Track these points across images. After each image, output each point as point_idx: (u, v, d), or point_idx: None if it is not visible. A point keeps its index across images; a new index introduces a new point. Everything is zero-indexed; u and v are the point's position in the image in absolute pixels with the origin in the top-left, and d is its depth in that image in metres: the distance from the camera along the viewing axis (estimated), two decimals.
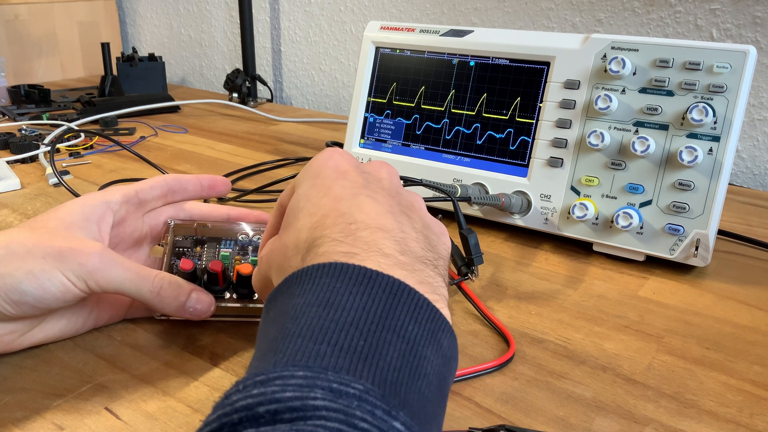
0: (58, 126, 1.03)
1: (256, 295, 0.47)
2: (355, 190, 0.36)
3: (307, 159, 0.90)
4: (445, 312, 0.31)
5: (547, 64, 0.63)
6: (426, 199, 0.63)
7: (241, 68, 1.37)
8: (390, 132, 0.73)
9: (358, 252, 0.31)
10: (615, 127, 0.59)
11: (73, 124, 1.03)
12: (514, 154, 0.65)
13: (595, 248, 0.61)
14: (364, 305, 0.28)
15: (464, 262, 0.53)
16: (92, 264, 0.41)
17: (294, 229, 0.35)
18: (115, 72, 1.31)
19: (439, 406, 0.28)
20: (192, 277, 0.46)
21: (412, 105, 0.71)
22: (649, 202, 0.58)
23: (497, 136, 0.66)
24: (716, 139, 0.55)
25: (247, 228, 0.51)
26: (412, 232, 0.34)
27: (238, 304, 0.47)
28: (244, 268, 0.46)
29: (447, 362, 0.29)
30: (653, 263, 0.59)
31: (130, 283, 0.42)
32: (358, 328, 0.27)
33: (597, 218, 0.60)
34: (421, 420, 0.25)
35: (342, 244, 0.32)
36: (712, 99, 0.55)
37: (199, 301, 0.45)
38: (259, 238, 0.51)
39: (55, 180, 0.78)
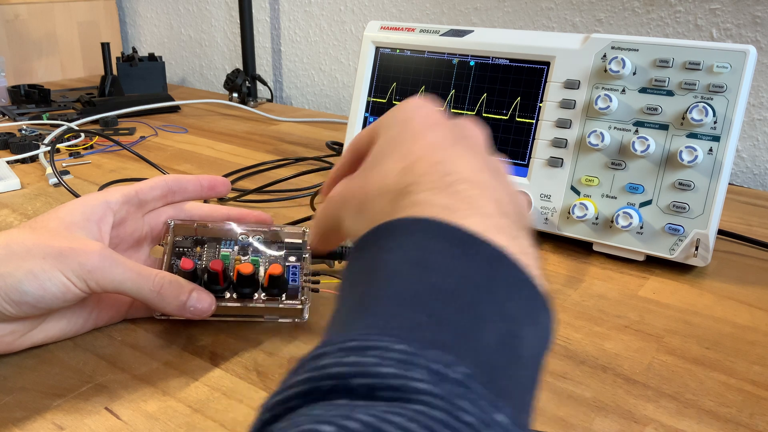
0: (58, 126, 1.03)
1: (256, 295, 0.47)
2: (449, 140, 0.32)
3: (307, 159, 0.91)
4: (543, 280, 0.28)
5: (547, 64, 0.63)
6: None
7: (241, 68, 1.37)
8: None
9: (458, 207, 0.28)
10: (615, 127, 0.59)
11: (73, 124, 1.03)
12: (514, 153, 0.65)
13: (595, 248, 0.61)
14: (464, 273, 0.25)
15: None
16: (92, 263, 0.41)
17: (379, 171, 0.32)
18: (115, 72, 1.31)
19: (533, 390, 0.26)
20: (192, 276, 0.46)
21: None
22: (649, 202, 0.58)
23: (497, 136, 0.66)
24: (716, 139, 0.55)
25: (247, 228, 0.51)
26: (505, 195, 0.31)
27: (238, 304, 0.47)
28: (245, 267, 0.46)
29: (543, 342, 0.27)
30: (653, 263, 0.59)
31: (131, 283, 0.42)
32: (457, 298, 0.24)
33: (597, 218, 0.60)
34: (518, 409, 0.23)
35: (440, 196, 0.29)
36: (712, 99, 0.55)
37: (200, 300, 0.44)
38: (259, 239, 0.51)
39: (55, 180, 0.78)
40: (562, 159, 0.62)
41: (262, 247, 0.50)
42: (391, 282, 0.25)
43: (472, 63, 0.68)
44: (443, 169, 0.30)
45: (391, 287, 0.25)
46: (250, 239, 0.51)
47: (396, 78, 0.73)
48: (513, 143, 0.65)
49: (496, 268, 0.26)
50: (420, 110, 0.35)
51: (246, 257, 0.50)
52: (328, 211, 0.36)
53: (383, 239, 0.28)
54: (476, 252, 0.26)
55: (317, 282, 0.50)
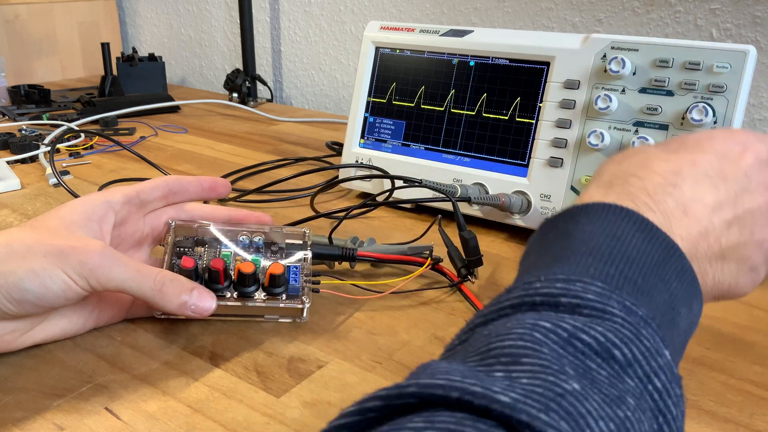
0: (58, 126, 1.03)
1: (256, 294, 0.47)
2: (713, 172, 0.36)
3: (307, 159, 0.91)
4: (703, 278, 0.34)
5: (547, 64, 0.63)
6: (425, 200, 0.63)
7: (241, 68, 1.37)
8: (390, 132, 0.73)
9: (654, 214, 0.33)
10: (615, 127, 0.59)
11: (73, 124, 1.03)
12: (514, 154, 0.65)
13: None
14: (644, 249, 0.31)
15: (464, 264, 0.53)
16: (93, 262, 0.41)
17: (643, 156, 0.37)
18: (115, 72, 1.31)
19: (680, 356, 0.32)
20: (194, 275, 0.46)
21: (412, 105, 0.71)
22: None
23: (497, 136, 0.66)
24: None
25: (248, 229, 0.51)
26: (713, 239, 0.35)
27: (238, 303, 0.47)
28: (246, 266, 0.46)
29: (692, 325, 0.33)
30: None
31: (132, 281, 0.42)
32: (638, 265, 0.30)
33: None
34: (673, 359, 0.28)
35: (649, 199, 0.34)
36: (712, 99, 0.55)
37: (201, 299, 0.44)
38: (259, 239, 0.51)
39: (55, 180, 0.78)
40: (562, 159, 0.62)
41: (262, 248, 0.50)
42: (588, 244, 0.31)
43: (471, 63, 0.68)
44: (672, 182, 0.35)
45: (587, 247, 0.31)
46: (251, 239, 0.51)
47: (396, 78, 0.73)
48: (513, 143, 0.65)
49: (669, 255, 0.31)
50: (732, 138, 0.38)
51: (246, 257, 0.50)
52: None
53: (579, 216, 0.33)
54: (656, 238, 0.31)
55: (317, 282, 0.50)
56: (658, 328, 0.28)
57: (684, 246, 0.33)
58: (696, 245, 0.34)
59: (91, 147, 0.96)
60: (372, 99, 0.74)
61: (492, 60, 0.67)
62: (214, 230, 0.51)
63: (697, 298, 0.33)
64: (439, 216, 0.58)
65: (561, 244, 0.32)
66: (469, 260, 0.53)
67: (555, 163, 0.62)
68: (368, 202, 0.66)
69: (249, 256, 0.50)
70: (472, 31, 0.68)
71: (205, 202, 0.55)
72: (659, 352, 0.27)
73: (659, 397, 0.25)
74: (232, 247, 0.50)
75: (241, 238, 0.51)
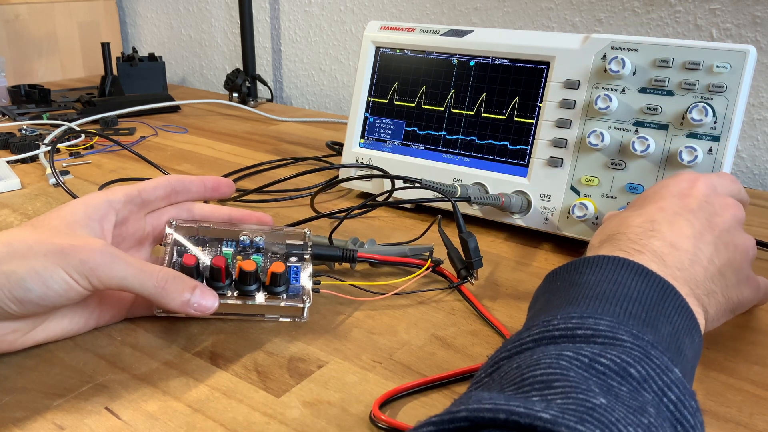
0: (59, 126, 1.03)
1: (257, 293, 0.47)
2: (680, 210, 0.41)
3: (307, 159, 0.91)
4: (701, 320, 0.37)
5: (547, 64, 0.63)
6: (426, 200, 0.63)
7: (241, 68, 1.37)
8: (390, 132, 0.73)
9: (643, 256, 0.38)
10: (615, 127, 0.59)
11: (73, 124, 1.03)
12: (514, 153, 0.65)
13: None
14: (643, 291, 0.35)
15: (464, 265, 0.53)
16: (94, 260, 0.41)
17: (619, 218, 0.43)
18: (115, 72, 1.31)
19: (690, 383, 0.34)
20: (195, 272, 0.46)
21: (413, 105, 0.71)
22: None
23: (497, 135, 0.66)
24: (716, 138, 0.55)
25: (248, 229, 0.51)
26: (706, 261, 0.40)
27: (239, 302, 0.47)
28: (247, 264, 0.46)
29: (696, 355, 0.36)
30: None
31: (134, 279, 0.42)
32: (639, 303, 0.34)
33: (597, 218, 0.60)
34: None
35: (634, 244, 0.39)
36: (711, 99, 0.55)
37: (204, 297, 0.44)
38: (260, 239, 0.51)
39: (55, 180, 0.78)
40: (562, 159, 0.62)
41: (263, 248, 0.50)
42: (591, 289, 0.35)
43: (472, 63, 0.68)
44: (651, 227, 0.40)
45: (594, 292, 0.35)
46: (252, 239, 0.51)
47: (396, 78, 0.73)
48: (513, 143, 0.65)
49: (666, 293, 0.35)
50: (686, 181, 0.44)
51: (247, 257, 0.50)
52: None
53: (583, 267, 0.37)
54: (652, 280, 0.36)
55: (318, 282, 0.50)
56: (665, 350, 0.31)
57: (682, 276, 0.38)
58: (693, 273, 0.39)
59: (92, 147, 0.96)
60: (372, 99, 0.74)
61: (492, 60, 0.67)
62: (215, 230, 0.51)
63: (697, 330, 0.36)
64: (439, 216, 0.58)
65: (569, 291, 0.36)
66: (469, 262, 0.53)
67: (555, 163, 0.62)
68: (368, 202, 0.66)
69: (250, 256, 0.50)
70: (472, 31, 0.68)
71: (205, 202, 0.55)
72: (669, 368, 0.29)
73: (675, 408, 0.28)
74: (233, 247, 0.50)
75: (241, 238, 0.51)
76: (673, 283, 0.36)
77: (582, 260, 0.38)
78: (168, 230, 0.50)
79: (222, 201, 0.73)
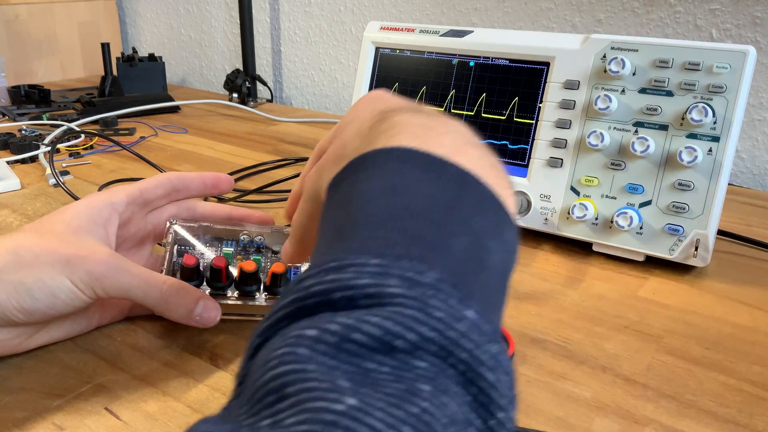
0: (58, 126, 1.03)
1: (258, 293, 0.47)
2: (413, 106, 0.34)
3: (307, 159, 0.90)
4: (510, 198, 0.30)
5: (547, 64, 0.63)
6: None
7: (241, 68, 1.37)
8: None
9: (434, 126, 0.30)
10: (615, 128, 0.59)
11: (73, 125, 1.03)
12: (513, 154, 0.65)
13: (594, 248, 0.61)
14: (432, 194, 0.27)
15: None
16: (99, 271, 0.41)
17: (355, 123, 0.34)
18: (115, 72, 1.31)
19: (501, 297, 0.28)
20: (195, 272, 0.46)
21: None
22: (648, 203, 0.58)
23: (497, 136, 0.66)
24: (716, 139, 0.55)
25: (249, 228, 0.51)
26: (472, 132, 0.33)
27: (239, 302, 0.47)
28: (248, 265, 0.46)
29: (509, 254, 0.29)
30: (653, 263, 0.59)
31: (138, 290, 0.42)
32: (427, 217, 0.26)
33: (597, 218, 0.60)
34: (487, 309, 0.25)
35: (417, 117, 0.31)
36: (711, 99, 0.55)
37: (207, 309, 0.44)
38: (260, 239, 0.51)
39: (55, 180, 0.78)
40: (562, 159, 0.62)
41: (263, 248, 0.50)
42: (365, 209, 0.27)
43: (471, 63, 0.68)
44: (415, 106, 0.32)
45: (366, 213, 0.27)
46: (252, 239, 0.51)
47: (396, 78, 0.73)
48: (513, 143, 0.65)
49: (463, 187, 0.28)
50: (383, 92, 0.37)
51: (247, 257, 0.50)
52: (308, 191, 0.36)
53: (359, 171, 0.29)
54: (444, 174, 0.28)
55: None
56: (453, 288, 0.24)
57: (472, 148, 0.31)
58: (476, 142, 0.32)
59: (91, 147, 0.96)
60: None
61: (492, 60, 0.67)
62: (215, 229, 0.51)
63: (507, 222, 0.29)
64: None
65: (342, 215, 0.28)
66: None
67: (555, 163, 0.62)
68: None
69: (250, 257, 0.50)
70: (472, 32, 0.68)
71: (205, 199, 0.55)
72: (457, 316, 0.23)
73: (467, 367, 0.22)
74: (233, 247, 0.50)
75: (242, 238, 0.51)
76: (475, 157, 0.29)
77: (360, 160, 0.29)
78: (168, 230, 0.50)
79: (222, 200, 0.73)
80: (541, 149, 0.63)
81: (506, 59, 0.66)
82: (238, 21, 1.38)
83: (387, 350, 0.22)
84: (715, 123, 0.55)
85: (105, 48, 1.28)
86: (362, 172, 0.29)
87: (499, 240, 0.28)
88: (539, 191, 0.63)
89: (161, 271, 0.47)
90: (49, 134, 0.96)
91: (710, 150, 0.55)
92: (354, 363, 0.21)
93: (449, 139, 0.30)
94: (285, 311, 0.24)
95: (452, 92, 0.69)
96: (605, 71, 0.59)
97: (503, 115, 0.66)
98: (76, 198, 0.72)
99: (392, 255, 0.24)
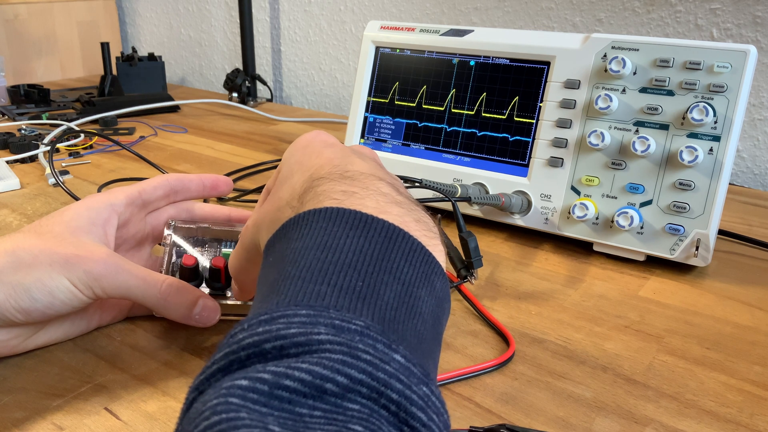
0: (58, 126, 1.03)
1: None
2: (345, 152, 0.37)
3: None
4: (439, 251, 0.32)
5: (548, 63, 0.63)
6: (426, 200, 0.63)
7: (241, 68, 1.37)
8: (390, 132, 0.73)
9: (356, 190, 0.32)
10: (615, 127, 0.59)
11: (72, 124, 1.03)
12: (514, 153, 0.65)
13: (595, 248, 0.61)
14: (360, 248, 0.28)
15: (463, 265, 0.53)
16: (98, 271, 0.41)
17: (288, 185, 0.35)
18: (114, 72, 1.31)
19: (435, 344, 0.29)
20: (194, 272, 0.46)
21: (413, 105, 0.71)
22: (649, 202, 0.58)
23: (497, 135, 0.66)
24: (716, 138, 0.55)
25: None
26: (400, 187, 0.35)
27: (239, 302, 0.47)
28: None
29: (440, 303, 0.30)
30: (653, 263, 0.59)
31: (137, 290, 0.42)
32: (356, 269, 0.28)
33: (597, 218, 0.60)
34: (419, 355, 0.26)
35: (341, 184, 0.33)
36: (712, 99, 0.55)
37: (206, 309, 0.44)
38: None
39: (54, 180, 0.78)
40: (563, 159, 0.62)
41: None
42: (297, 265, 0.28)
43: (472, 63, 0.68)
44: (342, 170, 0.34)
45: (297, 269, 0.28)
46: None
47: (396, 78, 0.72)
48: (513, 143, 0.65)
49: (392, 241, 0.29)
50: (317, 137, 0.39)
51: None
52: (245, 241, 0.39)
53: (291, 231, 0.31)
54: (371, 230, 0.29)
55: None
56: (380, 334, 0.25)
57: (403, 201, 0.33)
58: (402, 193, 0.34)
59: (91, 147, 0.95)
60: (372, 99, 0.74)
61: (492, 60, 0.67)
62: (214, 230, 0.51)
63: (436, 272, 0.30)
64: (439, 216, 0.58)
65: (277, 270, 0.30)
66: (469, 261, 0.53)
67: (555, 162, 0.62)
68: None
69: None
70: (472, 31, 0.68)
71: (204, 201, 0.55)
72: (385, 359, 0.24)
73: (398, 408, 0.23)
74: (233, 248, 0.50)
75: None
76: (399, 213, 0.31)
77: (293, 221, 0.31)
78: (167, 231, 0.50)
79: (221, 200, 0.73)
80: (541, 149, 0.63)
81: (507, 59, 0.66)
82: (238, 20, 1.38)
83: (318, 395, 0.22)
84: (715, 122, 0.55)
85: (105, 47, 1.28)
86: (295, 232, 0.31)
87: (430, 288, 0.29)
88: (540, 191, 0.63)
89: (160, 272, 0.47)
90: (48, 134, 0.96)
91: (711, 149, 0.55)
92: (286, 409, 0.21)
93: (371, 201, 0.31)
94: (218, 365, 0.24)
95: (452, 92, 0.69)
96: (606, 71, 0.59)
97: (503, 114, 0.66)
98: (75, 197, 0.72)
99: (321, 306, 0.26)
